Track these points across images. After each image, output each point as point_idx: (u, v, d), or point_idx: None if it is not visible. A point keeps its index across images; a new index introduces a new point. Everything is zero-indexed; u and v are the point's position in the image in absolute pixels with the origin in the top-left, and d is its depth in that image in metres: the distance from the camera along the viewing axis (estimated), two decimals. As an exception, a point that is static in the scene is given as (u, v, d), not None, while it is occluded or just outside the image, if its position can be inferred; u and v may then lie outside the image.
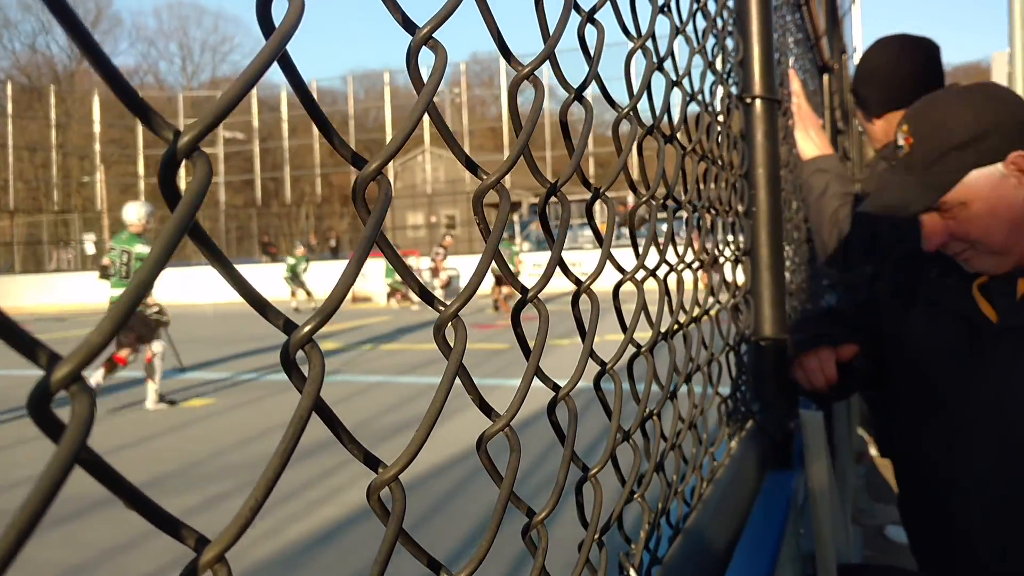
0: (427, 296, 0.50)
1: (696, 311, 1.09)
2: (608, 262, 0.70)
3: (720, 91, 1.25)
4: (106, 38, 46.57)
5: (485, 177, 0.53)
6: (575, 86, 0.66)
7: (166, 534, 0.33)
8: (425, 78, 0.46)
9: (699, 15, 1.12)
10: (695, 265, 1.08)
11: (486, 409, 0.55)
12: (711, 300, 1.19)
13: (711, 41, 1.19)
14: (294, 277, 19.38)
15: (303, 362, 0.38)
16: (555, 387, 0.64)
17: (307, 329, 0.37)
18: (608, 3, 0.73)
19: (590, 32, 0.70)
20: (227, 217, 38.46)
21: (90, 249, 32.57)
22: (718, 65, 1.25)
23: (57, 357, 0.26)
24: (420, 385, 7.90)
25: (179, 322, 16.18)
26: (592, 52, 0.70)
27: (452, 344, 0.48)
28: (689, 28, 1.06)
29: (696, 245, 1.11)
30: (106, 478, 0.30)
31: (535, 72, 0.59)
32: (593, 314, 0.67)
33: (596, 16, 0.71)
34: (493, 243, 0.53)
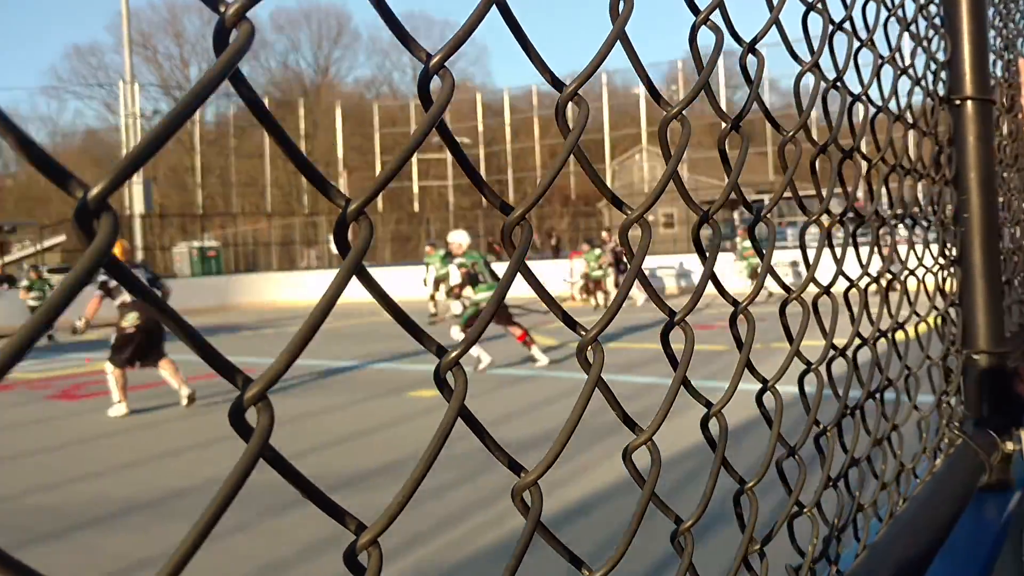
0: (570, 322, 0.56)
1: (897, 320, 1.07)
2: (808, 274, 0.72)
3: (919, 94, 1.21)
4: (347, 52, 50.19)
5: (629, 212, 0.58)
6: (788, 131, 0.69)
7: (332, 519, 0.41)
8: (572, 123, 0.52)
9: (892, 21, 1.09)
10: (903, 275, 1.06)
11: (630, 424, 0.60)
12: (908, 311, 1.15)
13: (907, 43, 1.16)
14: None
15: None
16: (707, 403, 0.67)
17: (453, 356, 0.45)
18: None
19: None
20: (456, 218, 40.23)
21: (335, 249, 35.23)
22: (919, 67, 1.21)
23: (249, 380, 0.34)
24: (636, 384, 7.92)
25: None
26: (753, 77, 0.72)
27: (591, 362, 0.53)
28: (879, 35, 1.04)
29: (891, 254, 1.08)
30: (284, 471, 0.38)
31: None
32: (804, 319, 0.70)
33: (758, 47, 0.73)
34: (635, 268, 0.57)
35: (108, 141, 47.50)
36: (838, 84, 0.91)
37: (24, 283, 18.40)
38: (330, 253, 35.16)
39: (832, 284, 0.88)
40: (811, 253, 0.85)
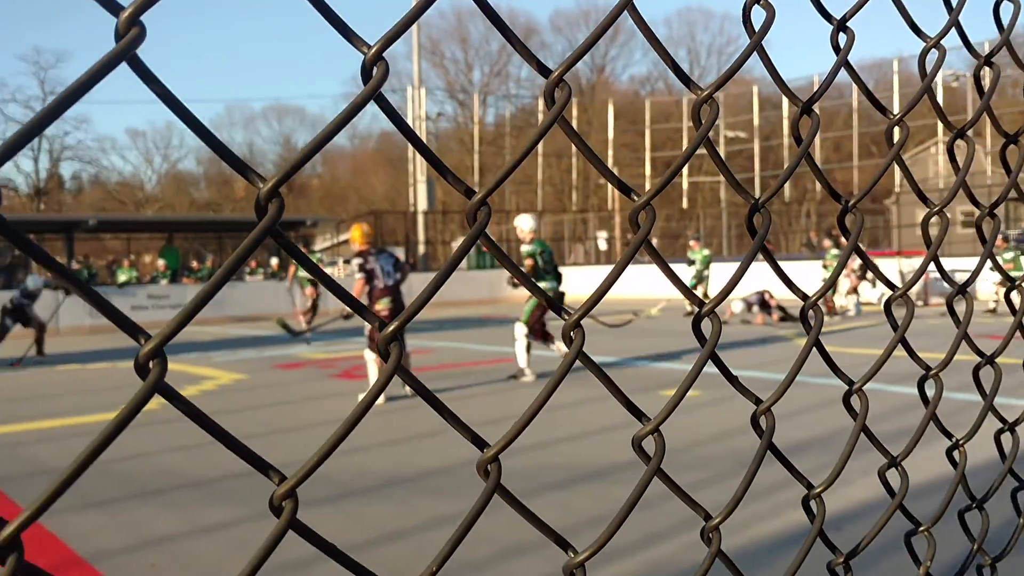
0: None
1: None
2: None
3: None
4: (623, 50, 50.54)
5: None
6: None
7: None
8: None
9: None
10: None
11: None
12: None
13: None
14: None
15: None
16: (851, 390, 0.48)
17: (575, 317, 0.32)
18: None
19: None
20: (728, 215, 39.12)
21: (603, 245, 35.63)
22: None
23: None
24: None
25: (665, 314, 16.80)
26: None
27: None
28: None
29: None
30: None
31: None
32: (965, 317, 0.49)
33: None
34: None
35: (399, 143, 51.28)
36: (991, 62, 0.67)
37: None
38: (597, 249, 35.58)
39: None
40: None
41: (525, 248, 9.04)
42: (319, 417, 7.17)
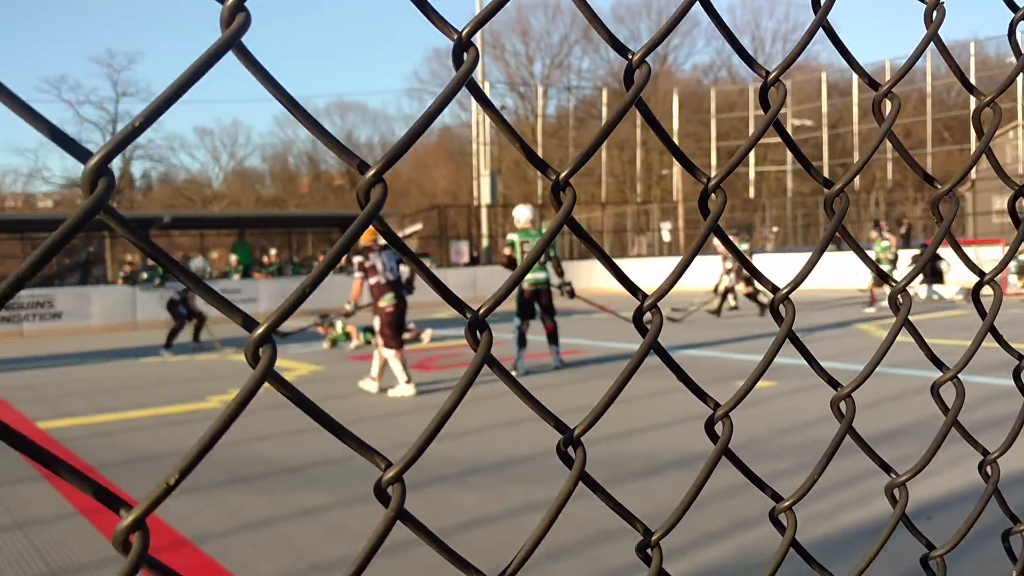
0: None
1: None
2: None
3: None
4: (685, 39, 49.98)
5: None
6: None
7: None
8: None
9: None
10: None
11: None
12: None
13: None
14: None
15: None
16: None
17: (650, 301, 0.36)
18: None
19: None
20: (793, 205, 38.47)
21: (666, 236, 35.37)
22: None
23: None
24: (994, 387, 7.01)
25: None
26: None
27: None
28: None
29: None
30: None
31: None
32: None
33: None
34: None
35: (460, 136, 51.56)
36: None
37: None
38: (660, 241, 35.31)
39: None
40: None
41: (510, 236, 9.47)
42: (395, 407, 7.32)
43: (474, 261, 27.77)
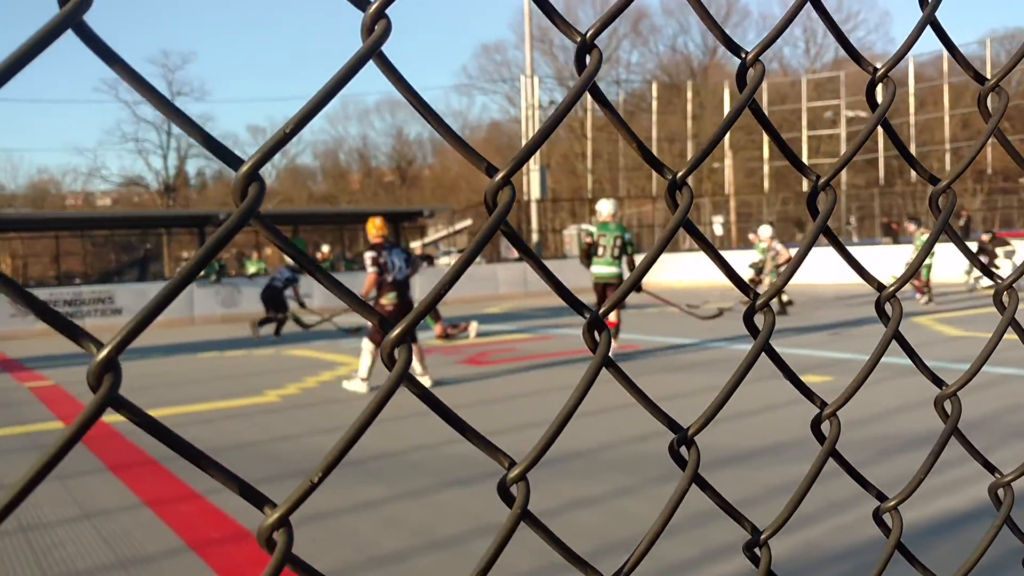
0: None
1: None
2: None
3: None
4: (736, 30, 49.28)
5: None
6: None
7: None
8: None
9: None
10: None
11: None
12: None
13: None
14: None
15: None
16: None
17: (763, 299, 0.37)
18: None
19: None
20: (848, 198, 37.79)
21: (718, 231, 34.99)
22: None
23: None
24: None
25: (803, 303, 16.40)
26: None
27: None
28: None
29: None
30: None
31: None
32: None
33: None
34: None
35: (509, 131, 51.65)
36: None
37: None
38: (712, 234, 34.93)
39: None
40: None
41: (585, 226, 9.66)
42: (455, 400, 7.37)
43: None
